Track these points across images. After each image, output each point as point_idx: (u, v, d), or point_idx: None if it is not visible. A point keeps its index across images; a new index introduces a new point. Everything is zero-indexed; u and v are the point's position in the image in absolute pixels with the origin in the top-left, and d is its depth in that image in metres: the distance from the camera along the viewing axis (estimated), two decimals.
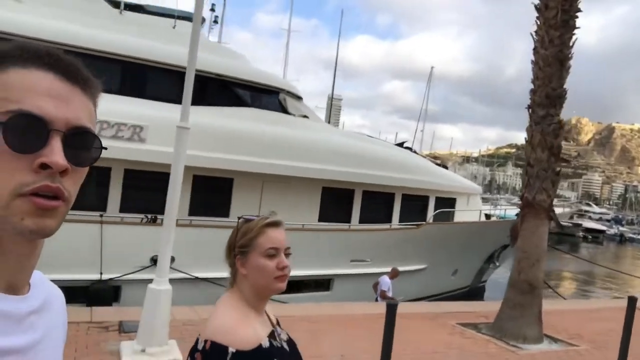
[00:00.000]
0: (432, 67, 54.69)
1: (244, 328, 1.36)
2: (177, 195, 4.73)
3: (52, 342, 0.73)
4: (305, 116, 12.44)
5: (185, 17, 11.95)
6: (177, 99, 10.56)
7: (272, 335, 1.46)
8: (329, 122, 43.11)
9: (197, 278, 9.60)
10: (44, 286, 0.76)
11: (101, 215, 9.29)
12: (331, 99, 43.75)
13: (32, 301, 0.69)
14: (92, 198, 9.84)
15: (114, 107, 9.62)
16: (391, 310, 3.48)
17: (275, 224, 1.49)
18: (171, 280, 4.56)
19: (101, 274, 9.07)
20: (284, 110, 11.88)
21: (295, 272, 10.98)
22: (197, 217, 10.31)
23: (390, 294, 9.18)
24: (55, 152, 0.60)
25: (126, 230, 9.53)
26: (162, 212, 10.01)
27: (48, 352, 0.71)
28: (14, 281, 0.65)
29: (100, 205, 9.74)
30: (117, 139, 9.55)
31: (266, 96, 11.75)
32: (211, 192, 11.01)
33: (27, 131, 0.59)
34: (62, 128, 0.62)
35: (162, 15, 11.85)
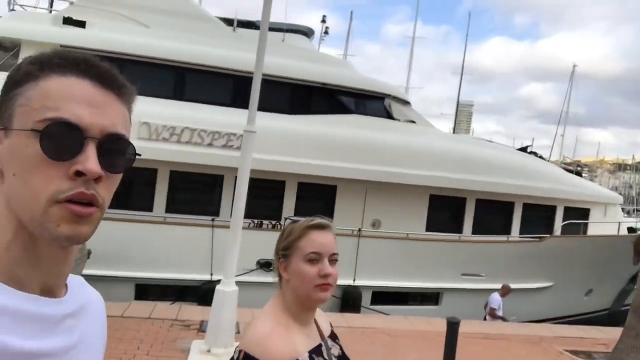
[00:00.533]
0: (574, 66, 49.67)
1: (280, 340, 1.24)
2: (243, 198, 4.79)
3: (89, 346, 0.74)
4: (412, 121, 12.00)
5: (294, 30, 12.35)
6: (283, 109, 11.05)
7: (316, 350, 1.32)
8: (454, 130, 41.40)
9: None
10: (82, 291, 0.77)
11: (213, 220, 9.89)
12: (457, 104, 41.78)
13: (69, 304, 0.70)
14: (205, 204, 10.58)
15: (226, 118, 10.29)
16: (452, 328, 3.06)
17: (321, 227, 1.36)
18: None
19: (211, 274, 9.65)
20: (389, 115, 11.60)
21: (400, 284, 10.66)
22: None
23: (500, 313, 8.34)
24: (90, 160, 0.61)
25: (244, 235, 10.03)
26: (268, 217, 10.62)
27: (84, 356, 0.71)
28: (49, 284, 0.67)
29: (213, 210, 10.40)
30: (227, 148, 10.16)
31: (371, 102, 11.59)
32: (315, 199, 11.14)
33: (63, 139, 0.60)
34: (97, 135, 0.63)
35: (272, 29, 12.39)
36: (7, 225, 0.63)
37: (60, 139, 0.60)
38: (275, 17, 13.80)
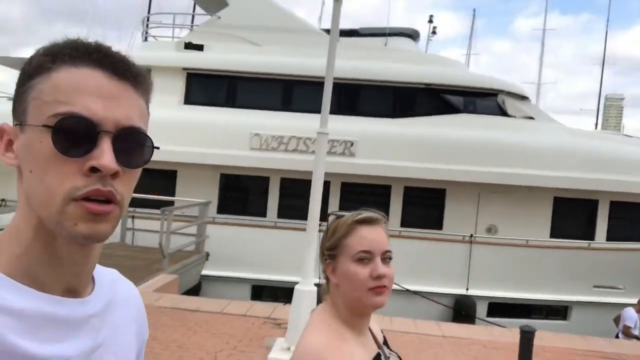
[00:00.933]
0: None
1: (338, 354, 1.10)
2: (318, 202, 4.82)
3: (119, 343, 0.71)
4: (530, 117, 11.03)
5: (397, 33, 12.18)
6: (386, 112, 10.94)
7: None
8: (597, 126, 37.06)
9: (408, 291, 9.47)
10: (113, 286, 0.75)
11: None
12: (599, 98, 37.42)
13: (94, 303, 0.68)
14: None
15: (329, 126, 10.50)
16: (526, 339, 2.73)
17: (370, 221, 1.19)
18: None
19: (319, 278, 9.86)
20: (503, 112, 10.81)
21: (521, 295, 9.89)
22: (408, 228, 10.23)
23: (636, 332, 7.21)
24: (105, 155, 0.58)
25: None
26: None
27: (112, 354, 0.69)
28: (72, 284, 0.65)
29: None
30: (330, 155, 10.37)
31: (481, 100, 10.92)
32: (422, 204, 10.80)
33: (76, 134, 0.58)
34: (112, 129, 0.60)
35: (375, 35, 12.38)
36: (28, 224, 0.62)
37: (73, 134, 0.58)
38: (381, 21, 13.82)
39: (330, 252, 1.19)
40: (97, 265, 0.72)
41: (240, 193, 11.09)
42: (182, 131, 10.19)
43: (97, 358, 0.66)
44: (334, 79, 11.05)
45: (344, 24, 13.64)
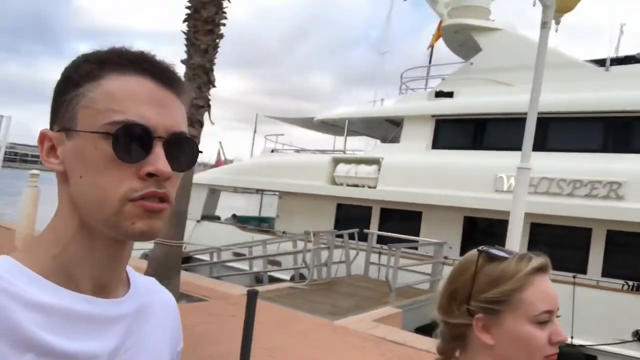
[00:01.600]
0: None
1: None
2: (516, 241, 4.54)
3: (150, 349, 0.72)
4: None
5: None
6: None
7: None
8: None
9: None
10: (149, 292, 0.77)
11: (574, 277, 9.01)
12: None
13: (125, 305, 0.70)
14: (570, 259, 9.69)
15: (590, 165, 9.36)
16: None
17: (547, 269, 0.96)
18: None
19: (572, 337, 8.70)
20: None
21: None
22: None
23: None
24: (160, 160, 0.62)
25: (603, 295, 8.75)
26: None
27: (143, 358, 0.71)
28: (103, 283, 0.67)
29: (578, 267, 9.43)
30: (591, 198, 9.15)
31: None
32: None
33: (134, 141, 0.61)
34: (164, 135, 0.63)
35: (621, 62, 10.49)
36: (68, 225, 0.65)
37: (131, 141, 0.61)
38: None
39: (491, 305, 0.93)
40: (135, 272, 0.77)
41: (484, 235, 10.83)
42: (428, 174, 10.75)
43: (128, 359, 0.68)
44: (599, 112, 9.90)
45: (629, 51, 11.93)
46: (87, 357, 0.62)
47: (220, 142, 22.03)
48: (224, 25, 6.86)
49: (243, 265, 11.73)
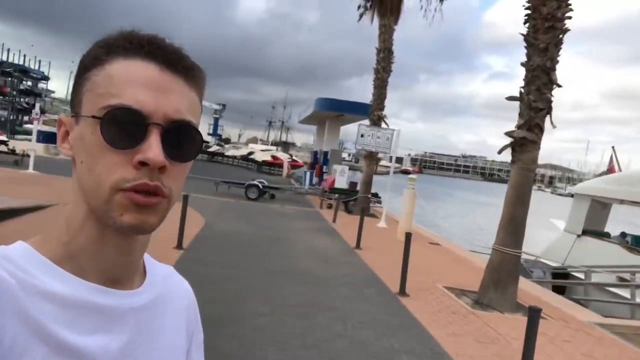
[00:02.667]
0: None
1: None
2: None
3: (166, 339, 0.71)
4: None
5: None
6: None
7: None
8: None
9: None
10: (166, 281, 0.75)
11: None
12: None
13: (141, 296, 0.68)
14: None
15: None
16: None
17: None
18: None
19: None
20: None
21: None
22: None
23: None
24: (152, 148, 0.58)
25: None
26: None
27: (159, 350, 0.69)
28: (115, 275, 0.65)
29: None
30: None
31: None
32: None
33: (125, 126, 0.58)
34: (161, 121, 0.59)
35: None
36: (78, 213, 0.63)
37: (121, 127, 0.58)
38: None
39: None
40: (153, 260, 0.75)
41: None
42: None
43: (141, 353, 0.66)
44: None
45: None
46: (98, 352, 0.61)
47: (613, 147, 18.95)
48: (569, 18, 6.22)
49: (624, 293, 9.93)
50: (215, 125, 69.62)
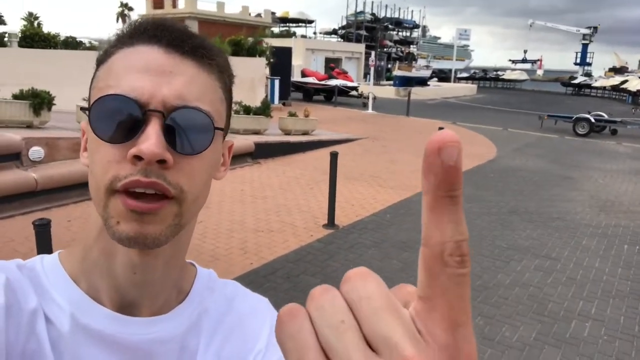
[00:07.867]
0: None
1: None
2: None
3: None
4: None
5: None
6: None
7: None
8: None
9: None
10: (206, 298, 0.62)
11: None
12: None
13: (170, 324, 0.57)
14: None
15: None
16: None
17: None
18: None
19: None
20: None
21: None
22: None
23: None
24: (149, 139, 0.48)
25: None
26: None
27: None
28: (128, 297, 0.55)
29: None
30: None
31: None
32: None
33: (116, 117, 0.49)
34: (160, 108, 0.50)
35: None
36: (95, 224, 0.54)
37: (114, 118, 0.49)
38: None
39: None
40: (202, 269, 0.65)
41: None
42: None
43: None
44: None
45: None
46: None
47: None
48: None
49: None
50: (584, 53, 60.49)
